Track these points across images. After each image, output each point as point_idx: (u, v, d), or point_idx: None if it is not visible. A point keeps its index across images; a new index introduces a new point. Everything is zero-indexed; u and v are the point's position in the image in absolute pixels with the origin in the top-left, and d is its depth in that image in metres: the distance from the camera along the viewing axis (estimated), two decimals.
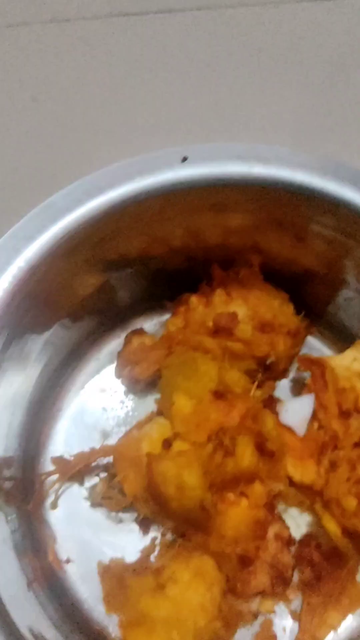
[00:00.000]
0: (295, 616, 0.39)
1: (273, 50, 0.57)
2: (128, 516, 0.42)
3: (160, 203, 0.36)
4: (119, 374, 0.46)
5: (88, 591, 0.40)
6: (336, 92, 0.55)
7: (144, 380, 0.44)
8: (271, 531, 0.38)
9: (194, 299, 0.43)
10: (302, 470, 0.38)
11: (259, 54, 0.56)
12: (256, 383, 0.39)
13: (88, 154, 0.52)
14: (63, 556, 0.41)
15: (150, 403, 0.45)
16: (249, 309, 0.42)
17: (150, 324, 0.48)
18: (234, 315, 0.40)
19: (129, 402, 0.46)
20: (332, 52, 0.57)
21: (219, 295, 0.42)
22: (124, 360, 0.45)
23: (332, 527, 0.36)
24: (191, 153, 0.35)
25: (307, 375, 0.44)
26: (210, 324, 0.41)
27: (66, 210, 0.35)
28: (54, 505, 0.43)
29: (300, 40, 0.57)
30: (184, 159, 0.35)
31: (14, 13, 0.58)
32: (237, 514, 0.37)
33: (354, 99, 0.56)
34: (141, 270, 0.45)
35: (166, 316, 0.47)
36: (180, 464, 0.36)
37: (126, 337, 0.46)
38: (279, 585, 0.37)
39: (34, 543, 0.41)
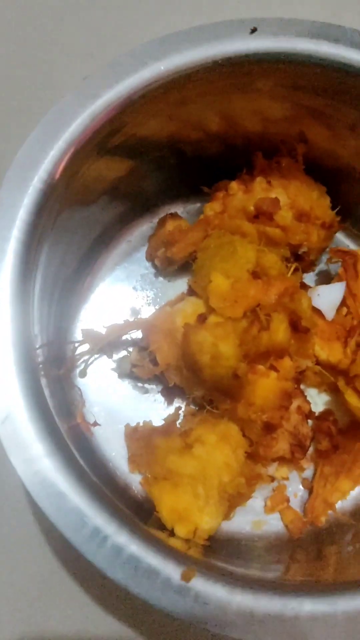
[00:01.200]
0: (306, 484, 0.43)
1: None
2: (153, 388, 0.45)
3: (223, 74, 0.36)
4: (150, 256, 0.47)
5: (113, 452, 0.43)
6: None
7: (178, 262, 0.45)
8: (294, 404, 0.41)
9: (234, 185, 0.44)
10: (329, 351, 0.40)
11: None
12: (293, 267, 0.41)
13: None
14: (90, 419, 0.43)
15: (179, 286, 0.47)
16: (289, 197, 0.43)
17: (180, 211, 0.49)
18: (276, 201, 0.41)
19: (159, 283, 0.47)
20: None
21: (259, 183, 0.43)
22: (158, 241, 0.46)
23: (354, 400, 0.39)
24: (260, 25, 0.35)
25: (332, 269, 0.46)
26: (251, 209, 0.42)
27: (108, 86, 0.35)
28: (83, 374, 0.44)
29: None
30: (253, 30, 0.35)
31: None
32: (266, 385, 0.39)
33: None
34: (174, 156, 0.45)
35: (195, 205, 0.49)
36: (217, 334, 0.38)
37: (160, 219, 0.47)
38: (298, 452, 0.41)
39: (64, 406, 0.42)
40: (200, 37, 0.35)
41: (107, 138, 0.37)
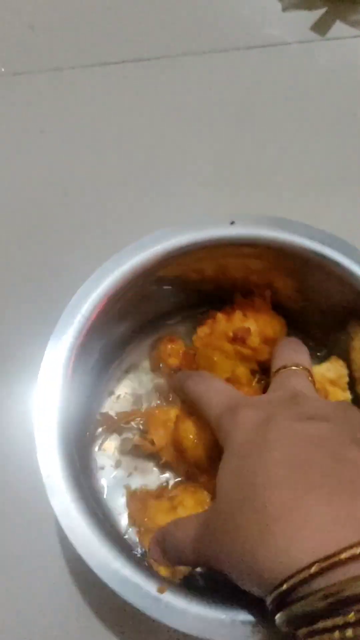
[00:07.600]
0: None
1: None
2: (149, 462, 0.59)
3: (211, 250, 0.53)
4: (152, 367, 0.63)
5: (116, 508, 0.57)
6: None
7: (174, 370, 0.61)
8: None
9: (219, 315, 0.60)
10: None
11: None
12: (257, 377, 0.56)
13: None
14: (103, 483, 0.58)
15: None
16: (258, 326, 0.59)
17: (183, 327, 0.65)
18: (248, 329, 0.57)
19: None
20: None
21: (238, 315, 0.59)
22: (158, 357, 0.62)
23: None
24: (237, 219, 0.52)
25: None
26: (230, 333, 0.58)
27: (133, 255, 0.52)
28: (100, 448, 0.59)
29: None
30: (232, 223, 0.52)
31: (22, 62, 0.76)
32: None
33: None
34: (180, 289, 0.62)
35: (191, 324, 0.65)
36: (199, 425, 0.53)
37: (160, 339, 0.63)
38: None
39: (85, 470, 0.57)
40: (195, 227, 0.52)
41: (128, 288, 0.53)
